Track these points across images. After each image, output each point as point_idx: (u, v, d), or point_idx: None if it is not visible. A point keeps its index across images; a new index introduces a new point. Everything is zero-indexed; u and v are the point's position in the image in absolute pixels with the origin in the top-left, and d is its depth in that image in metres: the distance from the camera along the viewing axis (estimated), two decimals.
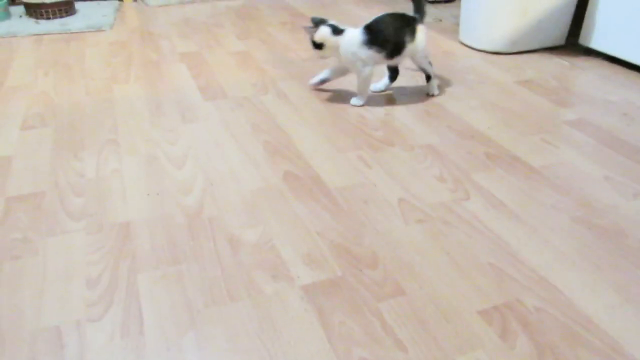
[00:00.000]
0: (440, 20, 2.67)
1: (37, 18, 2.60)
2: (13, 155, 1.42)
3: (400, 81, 1.84)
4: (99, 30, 2.49)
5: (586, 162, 1.40)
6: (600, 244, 1.10)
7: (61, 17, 2.63)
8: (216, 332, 0.89)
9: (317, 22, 1.63)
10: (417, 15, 1.68)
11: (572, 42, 2.25)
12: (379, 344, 0.87)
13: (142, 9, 2.89)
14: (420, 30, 1.66)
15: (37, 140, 1.49)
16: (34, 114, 1.65)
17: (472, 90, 1.84)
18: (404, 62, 1.78)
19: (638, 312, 0.93)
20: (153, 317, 0.92)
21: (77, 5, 2.81)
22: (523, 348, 0.86)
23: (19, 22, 2.56)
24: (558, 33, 2.22)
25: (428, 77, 1.77)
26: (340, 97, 1.78)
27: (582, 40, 2.16)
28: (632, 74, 1.98)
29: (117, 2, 2.95)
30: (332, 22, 1.63)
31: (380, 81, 1.81)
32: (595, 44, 2.10)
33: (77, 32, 2.46)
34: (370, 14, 1.69)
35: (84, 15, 2.69)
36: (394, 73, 1.78)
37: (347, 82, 1.81)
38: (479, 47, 2.22)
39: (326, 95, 1.79)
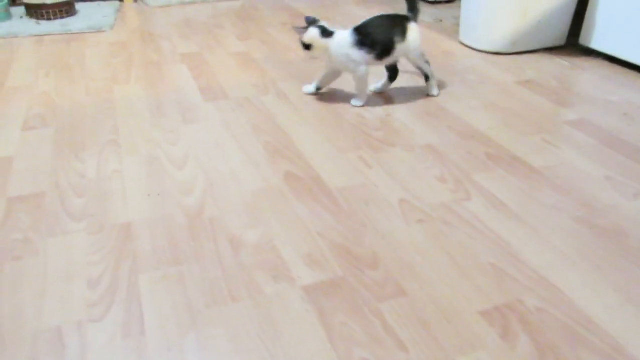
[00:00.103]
0: (441, 21, 2.67)
1: (37, 19, 2.60)
2: (14, 155, 1.42)
3: (400, 81, 1.84)
4: (99, 31, 2.49)
5: (587, 162, 1.40)
6: (601, 244, 1.10)
7: (62, 18, 2.63)
8: (217, 333, 0.89)
9: (310, 22, 1.64)
10: (410, 15, 1.68)
11: (572, 43, 2.25)
12: (380, 345, 0.87)
13: (143, 9, 2.89)
14: (412, 29, 1.66)
15: (38, 140, 1.49)
16: (34, 114, 1.65)
17: (472, 91, 1.84)
18: (403, 63, 1.78)
19: (639, 312, 0.93)
20: (154, 317, 0.92)
21: (78, 6, 2.81)
22: (524, 348, 0.86)
23: (20, 22, 2.56)
24: (558, 33, 2.22)
25: (426, 77, 1.77)
26: (341, 97, 1.78)
27: (583, 40, 2.16)
28: (633, 74, 1.98)
29: (118, 3, 2.95)
30: (323, 23, 1.64)
31: (380, 81, 1.81)
32: (596, 44, 2.10)
33: (77, 33, 2.46)
34: (371, 15, 1.69)
35: (84, 16, 2.69)
36: (393, 73, 1.78)
37: (347, 83, 1.81)
38: (479, 47, 2.22)
39: (326, 96, 1.80)
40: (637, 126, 1.59)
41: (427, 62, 1.75)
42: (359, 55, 1.62)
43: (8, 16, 2.60)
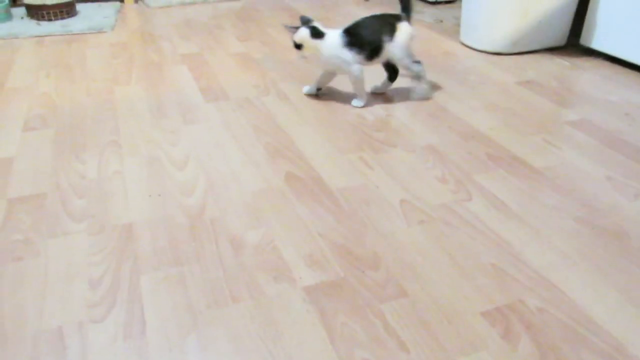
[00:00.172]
0: (441, 21, 2.67)
1: (38, 19, 2.60)
2: (15, 156, 1.42)
3: (400, 82, 1.84)
4: (100, 31, 2.49)
5: (587, 162, 1.40)
6: (601, 244, 1.10)
7: (62, 18, 2.63)
8: (218, 334, 0.89)
9: (305, 22, 1.65)
10: (402, 14, 1.67)
11: (573, 43, 2.25)
12: (381, 345, 0.87)
13: (143, 10, 2.89)
14: (401, 29, 1.65)
15: (39, 141, 1.50)
16: (35, 115, 1.65)
17: (473, 91, 1.84)
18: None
19: None
20: (155, 318, 0.92)
21: (78, 6, 2.81)
22: (526, 349, 0.86)
23: (21, 23, 2.56)
24: (559, 33, 2.22)
25: (413, 78, 1.74)
26: (341, 98, 1.78)
27: (583, 40, 2.16)
28: (633, 74, 1.97)
29: (118, 4, 2.95)
30: (316, 23, 1.64)
31: (380, 81, 1.81)
32: (596, 44, 2.10)
33: (78, 34, 2.46)
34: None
35: (85, 16, 2.69)
36: (392, 73, 1.78)
37: (348, 84, 1.81)
38: (480, 47, 2.22)
39: (327, 96, 1.80)
40: (638, 126, 1.59)
41: (418, 62, 1.71)
42: (349, 56, 1.63)
43: (8, 17, 2.60)
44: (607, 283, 1.00)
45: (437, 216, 1.18)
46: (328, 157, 1.42)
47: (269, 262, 1.04)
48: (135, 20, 2.69)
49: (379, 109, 1.71)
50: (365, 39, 1.63)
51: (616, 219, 1.17)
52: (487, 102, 1.76)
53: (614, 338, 0.88)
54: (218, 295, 0.97)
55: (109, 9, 2.83)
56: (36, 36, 2.41)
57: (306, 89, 1.80)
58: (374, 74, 1.81)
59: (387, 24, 1.64)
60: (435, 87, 1.87)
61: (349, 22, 1.68)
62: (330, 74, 1.75)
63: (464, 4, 2.28)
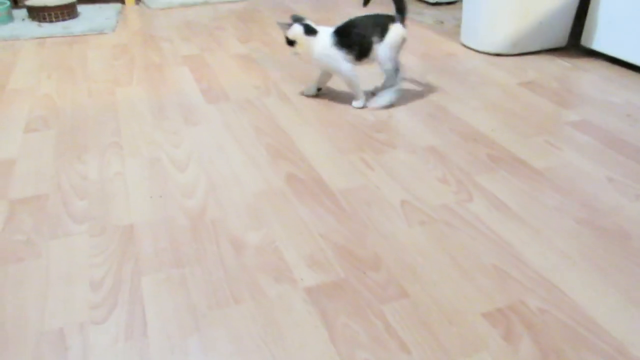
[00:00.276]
0: (442, 22, 2.67)
1: (39, 21, 2.60)
2: (16, 157, 1.42)
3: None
4: (101, 33, 2.49)
5: (589, 163, 1.40)
6: (603, 246, 1.09)
7: (64, 20, 2.64)
8: (220, 335, 0.89)
9: (296, 20, 1.65)
10: (396, 15, 1.66)
11: (573, 44, 2.25)
12: (382, 347, 0.87)
13: (144, 11, 2.89)
14: (392, 30, 1.64)
15: (40, 142, 1.50)
16: (36, 116, 1.65)
17: (474, 92, 1.84)
18: (403, 63, 1.78)
19: None
20: (157, 319, 0.92)
21: (80, 8, 2.82)
22: (527, 350, 0.86)
23: (22, 25, 2.57)
24: (560, 34, 2.22)
25: (387, 84, 1.69)
26: (342, 99, 1.78)
27: (584, 41, 2.16)
28: (634, 75, 1.97)
29: (120, 5, 2.95)
30: (308, 21, 1.64)
31: (381, 82, 1.81)
32: (597, 45, 2.10)
33: (79, 35, 2.47)
34: None
35: (86, 18, 2.69)
36: None
37: None
38: (480, 48, 2.22)
39: (328, 97, 1.80)
40: (639, 127, 1.59)
41: (397, 70, 1.67)
42: (339, 55, 1.63)
43: (10, 18, 2.61)
44: (608, 284, 0.99)
45: (438, 217, 1.18)
46: (329, 157, 1.42)
47: (270, 263, 1.05)
48: (136, 22, 2.69)
49: (379, 109, 1.71)
50: (355, 38, 1.62)
51: (617, 220, 1.17)
52: (488, 103, 1.76)
53: (615, 339, 0.88)
54: (219, 296, 0.97)
55: (110, 10, 2.83)
56: (37, 38, 2.42)
57: (306, 90, 1.81)
58: (374, 74, 1.82)
59: (378, 24, 1.64)
60: (436, 88, 1.87)
61: None
62: (327, 73, 1.75)
63: (464, 5, 2.28)
